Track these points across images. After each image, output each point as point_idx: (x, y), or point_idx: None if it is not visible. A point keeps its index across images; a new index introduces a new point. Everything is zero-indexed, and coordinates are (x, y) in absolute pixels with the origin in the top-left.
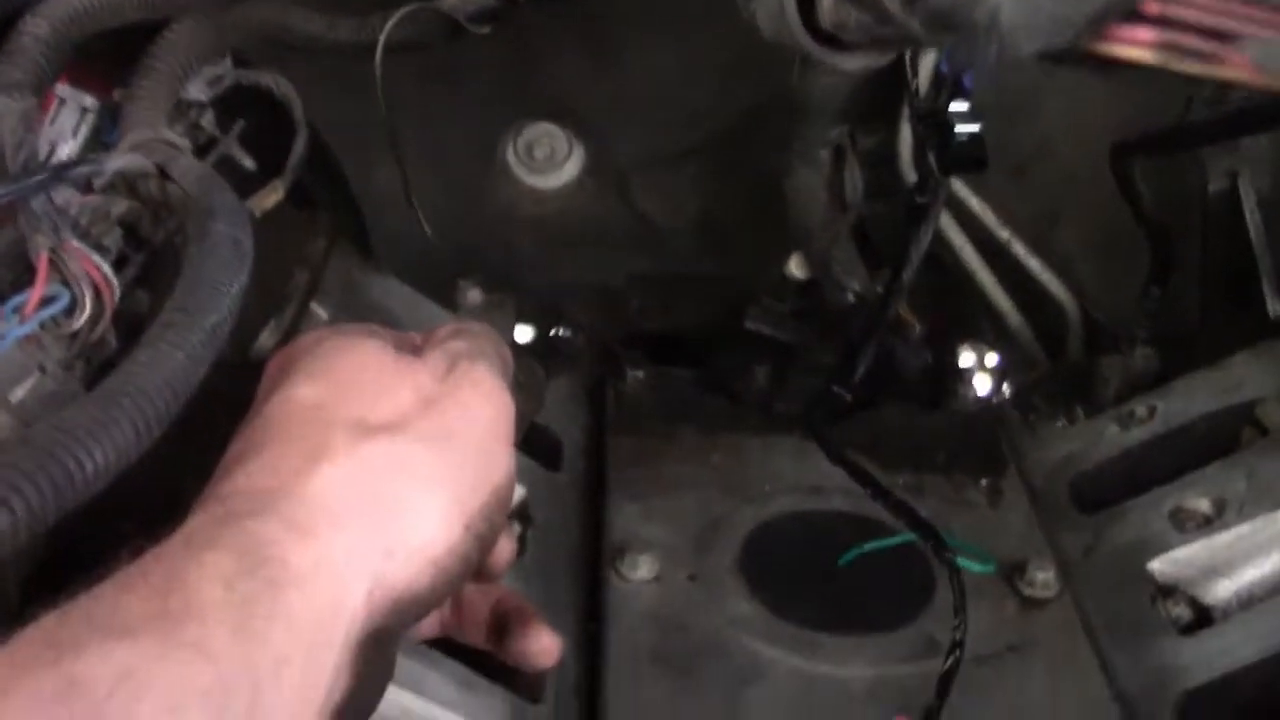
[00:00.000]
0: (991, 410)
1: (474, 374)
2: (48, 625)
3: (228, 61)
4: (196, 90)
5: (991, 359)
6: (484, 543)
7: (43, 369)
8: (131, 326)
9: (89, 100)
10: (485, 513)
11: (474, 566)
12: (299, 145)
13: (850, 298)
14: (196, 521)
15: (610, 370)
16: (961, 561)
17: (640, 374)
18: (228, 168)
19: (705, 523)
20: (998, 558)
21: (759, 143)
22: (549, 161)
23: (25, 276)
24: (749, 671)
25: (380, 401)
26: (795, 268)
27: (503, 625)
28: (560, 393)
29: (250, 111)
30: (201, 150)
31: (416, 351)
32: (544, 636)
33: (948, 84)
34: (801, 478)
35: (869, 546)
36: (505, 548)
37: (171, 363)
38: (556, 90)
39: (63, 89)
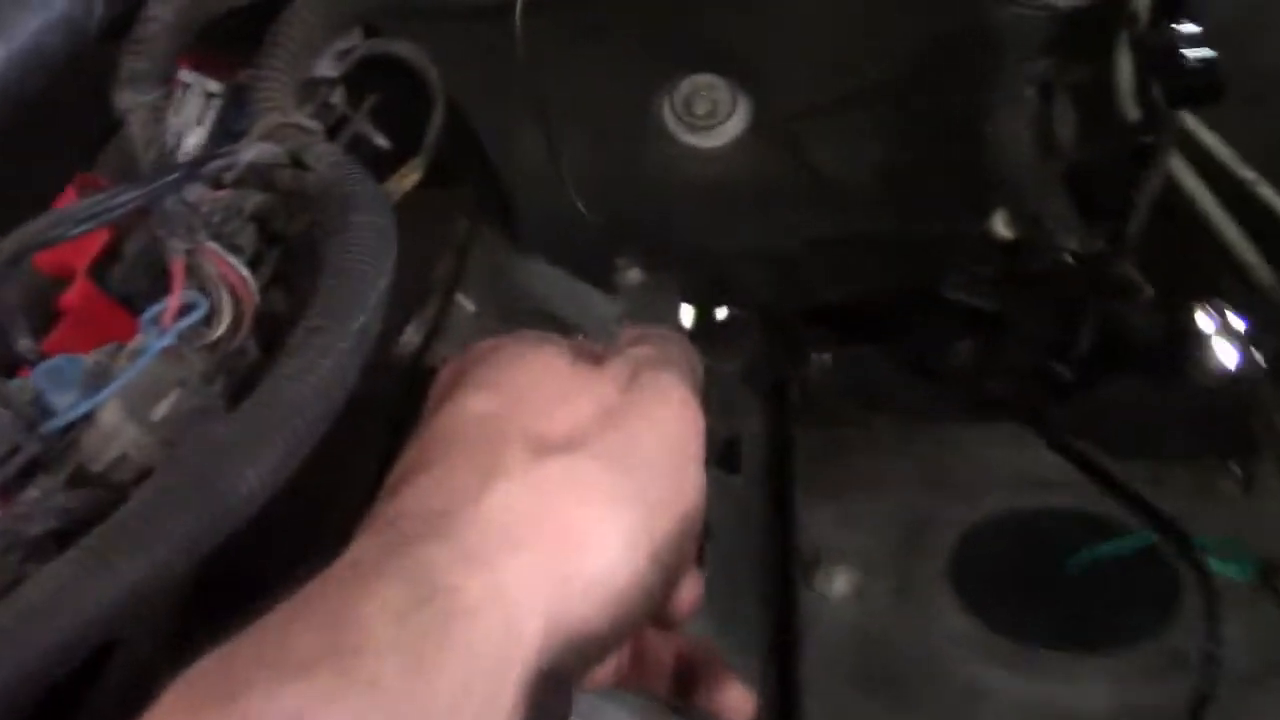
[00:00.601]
0: (1241, 383)
1: (660, 384)
2: (217, 661)
3: (358, 32)
4: (326, 66)
5: (1237, 323)
6: (671, 576)
7: (183, 383)
8: (269, 330)
9: (213, 85)
10: (673, 542)
11: (658, 603)
12: (436, 118)
13: (1067, 258)
14: (363, 546)
15: (790, 352)
16: (1212, 563)
17: (825, 356)
18: (361, 148)
19: (909, 526)
20: (1256, 557)
21: (951, 81)
22: (711, 117)
23: (159, 284)
24: (966, 696)
25: (559, 414)
26: (1000, 225)
27: (689, 677)
28: (734, 381)
29: (381, 85)
30: (332, 131)
31: (597, 360)
32: (736, 692)
33: (1173, 1)
34: (1019, 470)
35: (1101, 549)
36: (692, 587)
37: (320, 372)
38: (715, 35)
39: (186, 74)
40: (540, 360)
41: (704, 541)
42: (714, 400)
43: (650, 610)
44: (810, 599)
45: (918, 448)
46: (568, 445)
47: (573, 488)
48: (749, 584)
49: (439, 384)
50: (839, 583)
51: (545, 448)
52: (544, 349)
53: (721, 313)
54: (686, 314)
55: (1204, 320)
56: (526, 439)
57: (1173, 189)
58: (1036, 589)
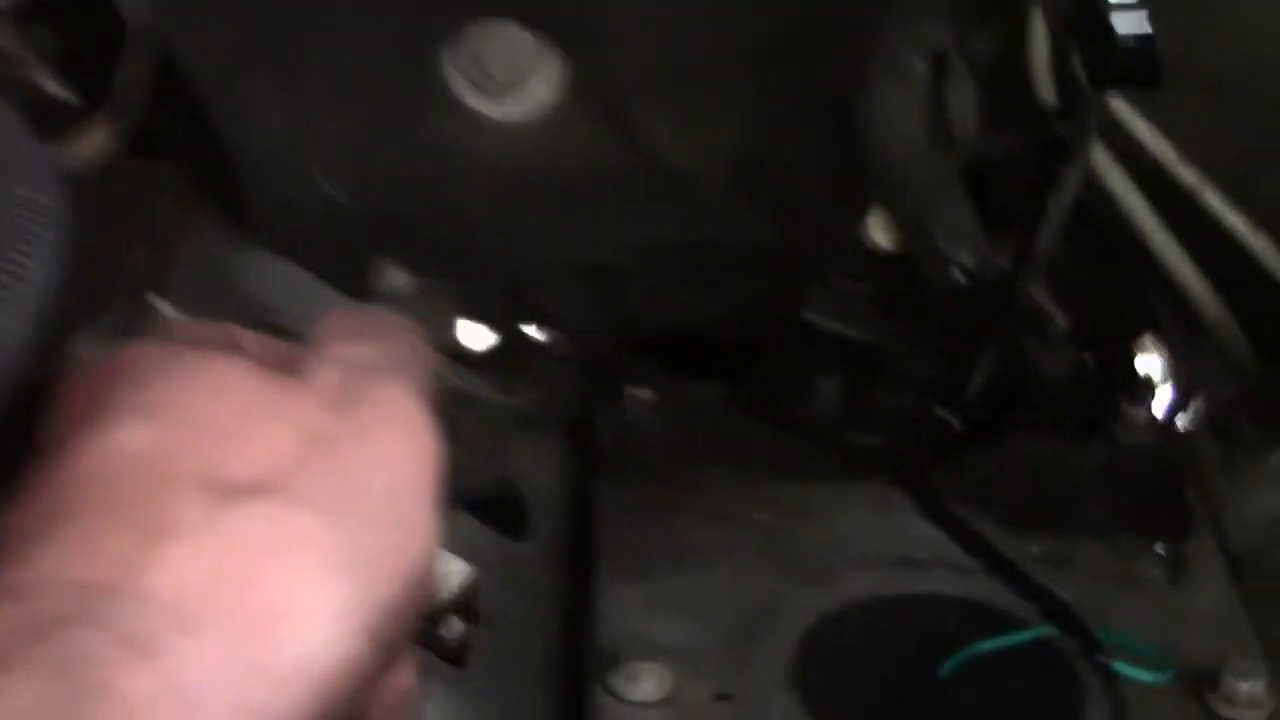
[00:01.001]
0: (1173, 441)
1: (383, 398)
2: None
3: None
4: None
5: (1171, 365)
6: (390, 653)
7: None
8: None
9: None
10: (396, 612)
11: (373, 692)
12: (131, 63)
13: (960, 276)
14: None
15: (603, 388)
16: (1122, 668)
17: (647, 393)
18: (36, 102)
19: (743, 613)
20: (1179, 660)
21: (821, 47)
22: (510, 81)
23: None
24: None
25: (245, 448)
26: (878, 233)
27: None
28: (526, 420)
29: (70, 23)
30: None
31: (295, 369)
32: None
33: None
34: (886, 545)
35: (986, 646)
36: (404, 679)
37: None
38: None
39: None
40: (216, 373)
41: (469, 629)
42: (488, 439)
43: (366, 699)
44: (610, 707)
45: (760, 513)
46: (259, 489)
47: (267, 547)
48: (530, 686)
49: (70, 407)
50: (646, 685)
51: (229, 494)
52: (218, 357)
53: (519, 335)
54: (476, 336)
55: (1132, 361)
56: (202, 484)
57: (1098, 194)
58: (904, 697)
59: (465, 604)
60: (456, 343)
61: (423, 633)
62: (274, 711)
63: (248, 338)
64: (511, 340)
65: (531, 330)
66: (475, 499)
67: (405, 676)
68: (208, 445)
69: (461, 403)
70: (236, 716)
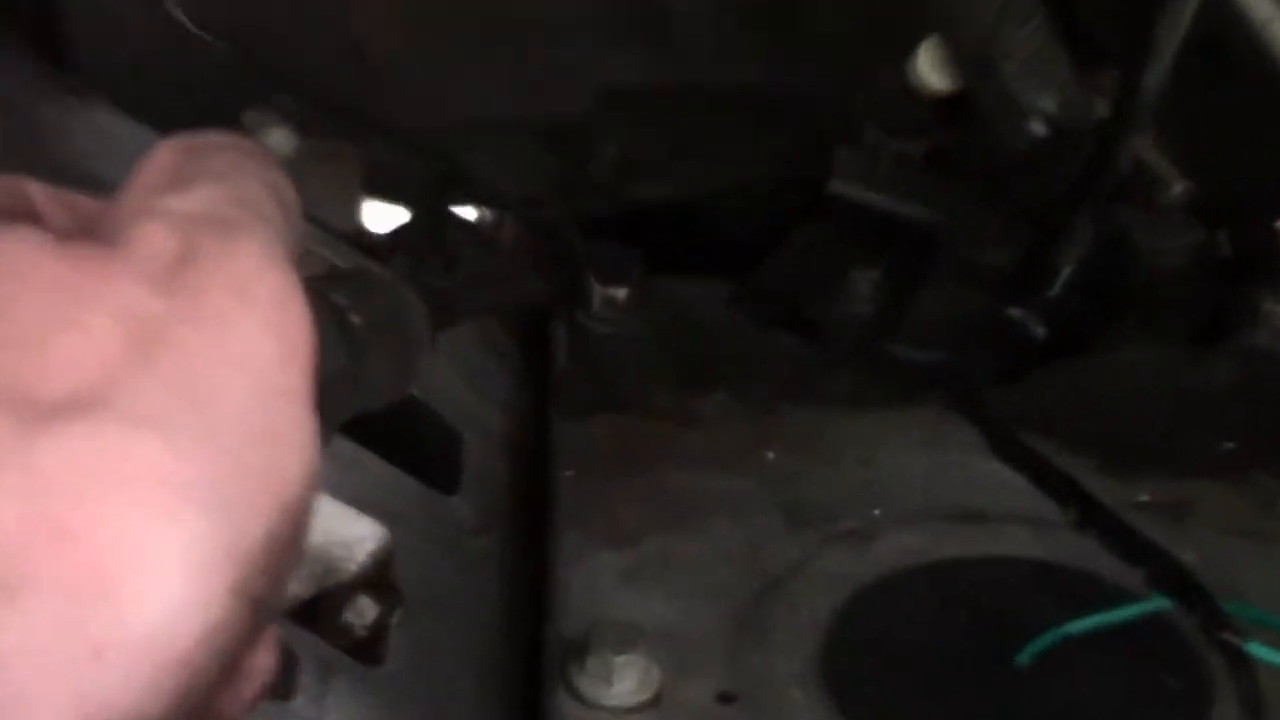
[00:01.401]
0: None
1: (232, 265)
2: None
3: None
4: None
5: None
6: (262, 614)
7: None
8: None
9: None
10: (269, 558)
11: (241, 663)
12: None
13: (1040, 127)
14: None
15: (563, 287)
16: (1257, 650)
17: (621, 293)
18: None
19: (750, 587)
20: None
21: None
22: None
23: None
24: None
25: (54, 353)
26: (930, 72)
27: None
28: (463, 341)
29: None
30: None
31: (110, 235)
32: None
33: None
34: (939, 492)
35: (1076, 627)
36: (265, 657)
37: None
38: None
39: None
40: (6, 253)
41: (388, 610)
42: (394, 345)
43: (232, 675)
44: (573, 714)
45: (772, 451)
46: (78, 406)
47: (96, 481)
48: (468, 687)
49: None
50: (623, 684)
51: (39, 416)
52: (6, 231)
53: (467, 213)
54: (386, 214)
55: (1275, 243)
56: (4, 403)
57: (1223, 15)
58: (967, 696)
59: (378, 579)
60: (360, 225)
61: (324, 618)
62: (118, 702)
63: (42, 194)
64: (435, 222)
65: (463, 210)
66: (387, 435)
67: (265, 658)
68: (6, 353)
69: (357, 295)
70: (68, 711)
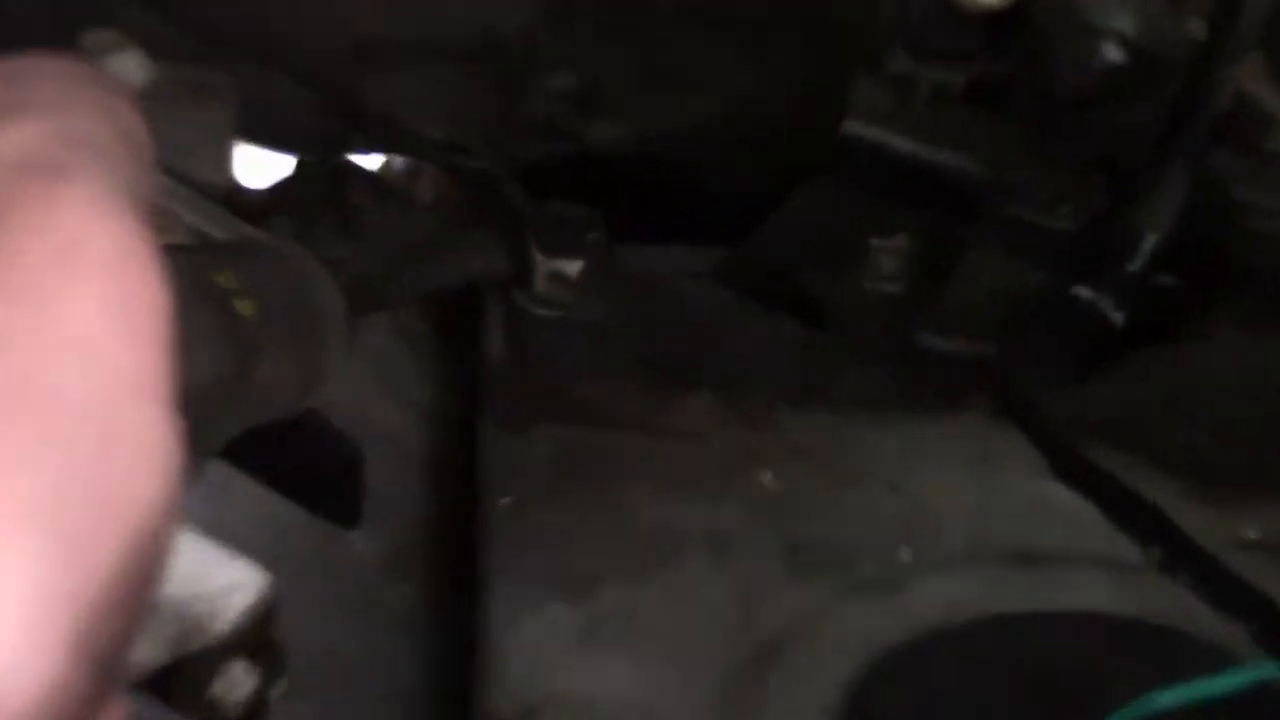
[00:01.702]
0: None
1: (54, 216)
2: None
3: None
4: None
5: None
6: (105, 680)
7: None
8: None
9: None
10: (113, 601)
11: None
12: None
13: (1115, 51)
14: None
15: (498, 258)
16: None
17: (574, 265)
18: None
19: (743, 648)
20: None
21: None
22: None
23: None
24: None
25: None
26: None
27: None
28: (365, 327)
29: None
30: None
31: None
32: None
33: None
34: (986, 525)
35: (1164, 699)
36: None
37: None
38: None
39: None
40: None
41: (267, 679)
42: (286, 335)
43: None
44: None
45: (768, 477)
46: None
47: None
48: None
49: None
50: None
51: None
52: None
53: (372, 162)
54: (264, 164)
55: None
56: None
57: None
58: None
59: (257, 641)
60: (232, 177)
61: (186, 691)
62: None
63: None
64: (330, 174)
65: (365, 158)
66: (268, 453)
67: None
68: None
69: (246, 274)
70: None
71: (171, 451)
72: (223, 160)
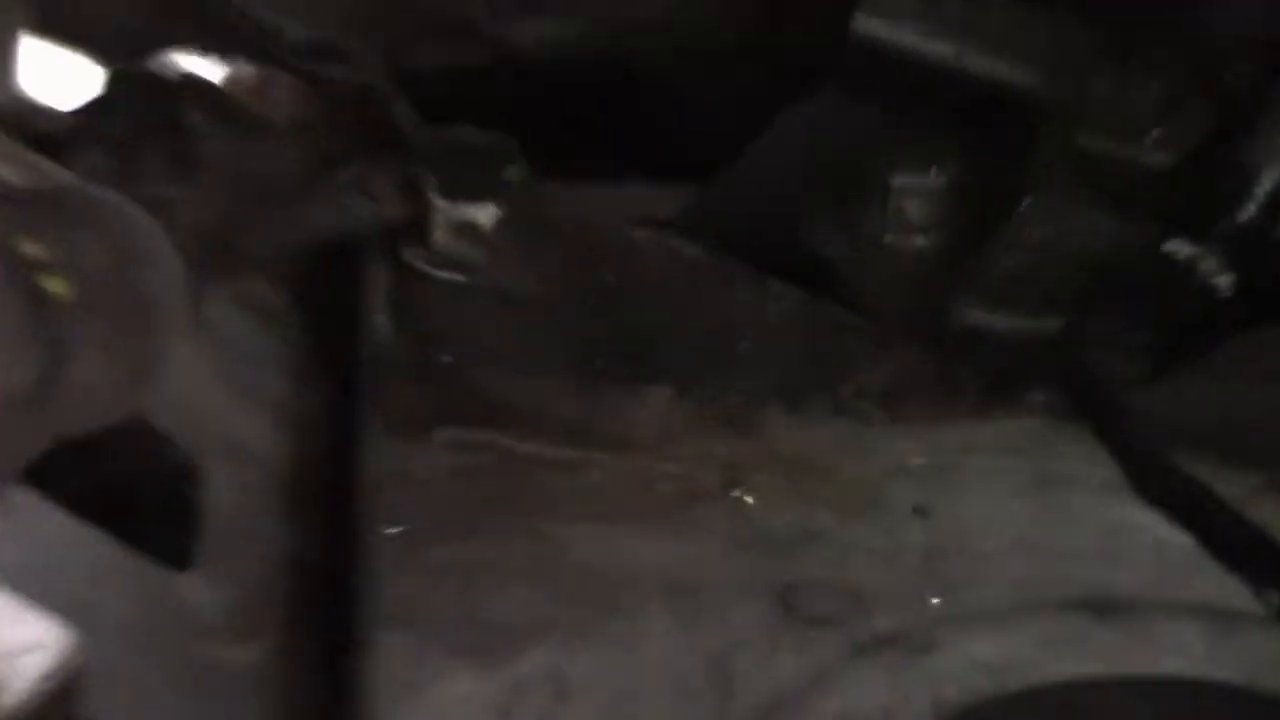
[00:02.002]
0: None
1: None
2: None
3: None
4: None
5: None
6: None
7: None
8: None
9: None
10: None
11: None
12: None
13: None
14: None
15: (379, 204)
16: None
17: (485, 211)
18: None
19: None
20: None
21: None
22: None
23: None
24: None
25: None
26: None
27: None
28: (208, 302)
29: None
30: None
31: None
32: None
33: None
34: (1045, 562)
35: None
36: None
37: None
38: None
39: None
40: None
41: None
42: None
43: None
44: None
45: (750, 500)
46: None
47: None
48: None
49: None
50: None
51: None
52: None
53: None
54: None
55: None
56: None
57: None
58: None
59: (57, 716)
60: (23, 96)
61: None
62: None
63: None
64: (154, 89)
65: (201, 65)
66: (78, 474)
67: None
68: None
69: (56, 237)
70: None
71: None
72: (7, 70)
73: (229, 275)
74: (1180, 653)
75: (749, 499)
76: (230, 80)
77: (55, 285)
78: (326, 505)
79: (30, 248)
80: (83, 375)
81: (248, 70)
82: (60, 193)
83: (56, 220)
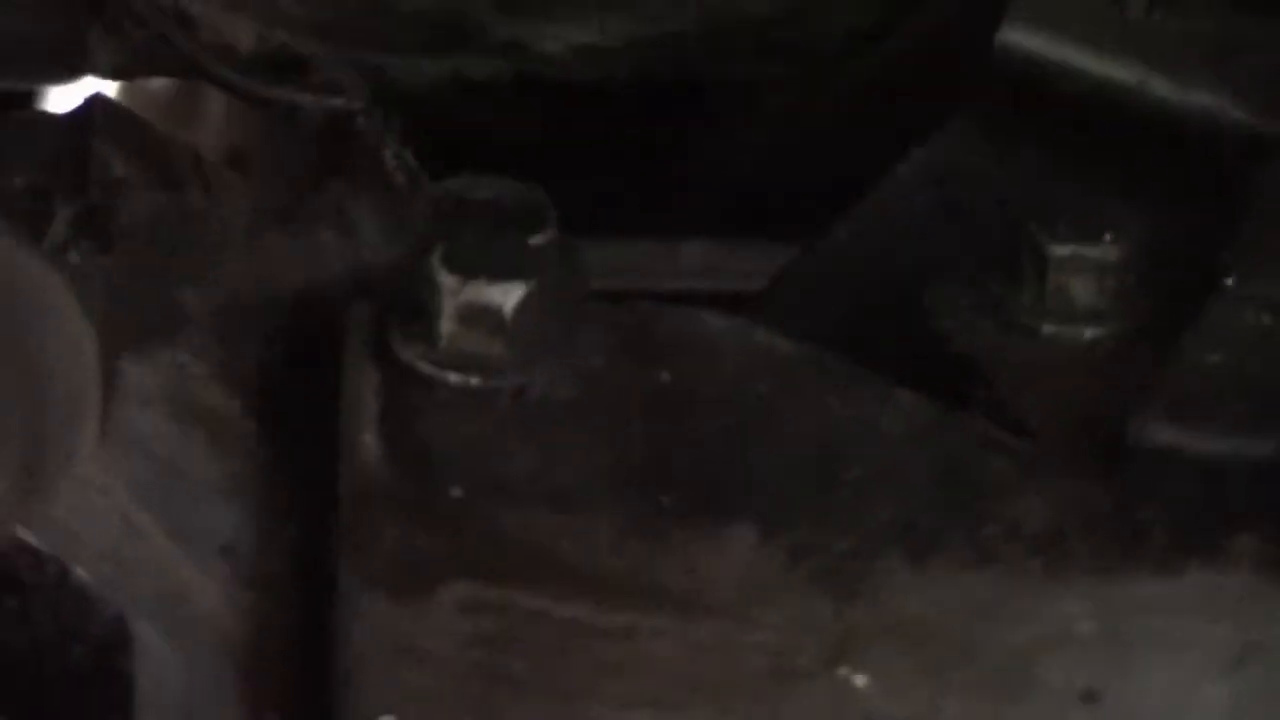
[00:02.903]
0: None
1: None
2: None
3: None
4: None
5: None
6: None
7: None
8: None
9: None
10: None
11: None
12: None
13: None
14: None
15: (356, 264)
16: None
17: (502, 293)
18: None
19: None
20: None
21: None
22: None
23: None
24: None
25: None
26: None
27: None
28: (129, 400)
29: None
30: None
31: None
32: None
33: None
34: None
35: None
36: None
37: None
38: None
39: None
40: None
41: None
42: None
43: None
44: None
45: (860, 681)
46: None
47: None
48: None
49: None
50: None
51: None
52: None
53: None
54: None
55: None
56: None
57: None
58: None
59: None
60: None
61: None
62: None
63: None
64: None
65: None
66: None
67: None
68: None
69: None
70: None
71: None
72: None
73: (157, 344)
74: None
75: (860, 679)
76: (150, 104)
77: None
78: (296, 686)
79: None
80: None
81: (171, 90)
82: None
83: None
